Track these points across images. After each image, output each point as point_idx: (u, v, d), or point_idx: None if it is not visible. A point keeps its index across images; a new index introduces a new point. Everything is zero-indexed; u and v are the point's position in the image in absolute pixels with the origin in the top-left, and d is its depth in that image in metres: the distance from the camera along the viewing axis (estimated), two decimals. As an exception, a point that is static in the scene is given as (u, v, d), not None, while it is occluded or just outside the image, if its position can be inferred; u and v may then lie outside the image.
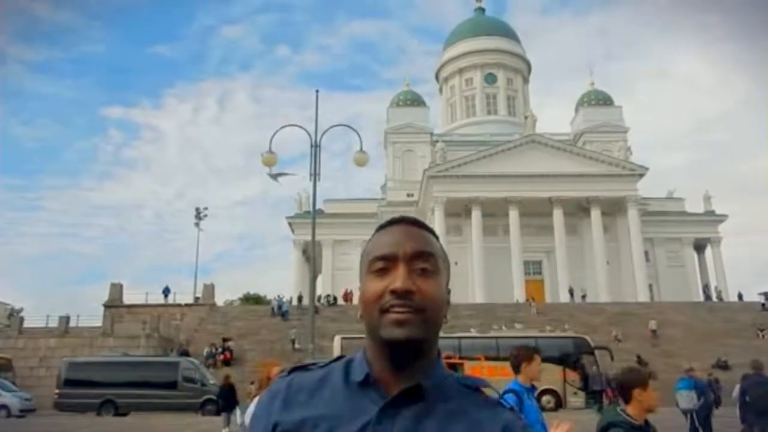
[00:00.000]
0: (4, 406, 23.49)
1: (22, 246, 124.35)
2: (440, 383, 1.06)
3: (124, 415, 23.73)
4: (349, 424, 1.00)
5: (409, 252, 1.06)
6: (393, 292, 1.02)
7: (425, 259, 1.07)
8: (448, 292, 1.12)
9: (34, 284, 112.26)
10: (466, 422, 1.02)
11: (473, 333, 29.96)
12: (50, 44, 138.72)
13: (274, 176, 16.86)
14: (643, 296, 50.18)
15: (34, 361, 30.82)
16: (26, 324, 35.99)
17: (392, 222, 1.14)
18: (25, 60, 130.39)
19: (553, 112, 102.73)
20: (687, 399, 11.45)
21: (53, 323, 34.93)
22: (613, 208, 54.92)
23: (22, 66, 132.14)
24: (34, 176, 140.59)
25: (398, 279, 1.03)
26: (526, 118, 59.53)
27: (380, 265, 1.06)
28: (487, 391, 1.10)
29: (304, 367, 1.12)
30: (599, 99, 65.19)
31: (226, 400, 17.40)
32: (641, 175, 54.62)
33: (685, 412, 11.59)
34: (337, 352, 25.23)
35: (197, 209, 50.85)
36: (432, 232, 1.14)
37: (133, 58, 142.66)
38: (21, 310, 45.39)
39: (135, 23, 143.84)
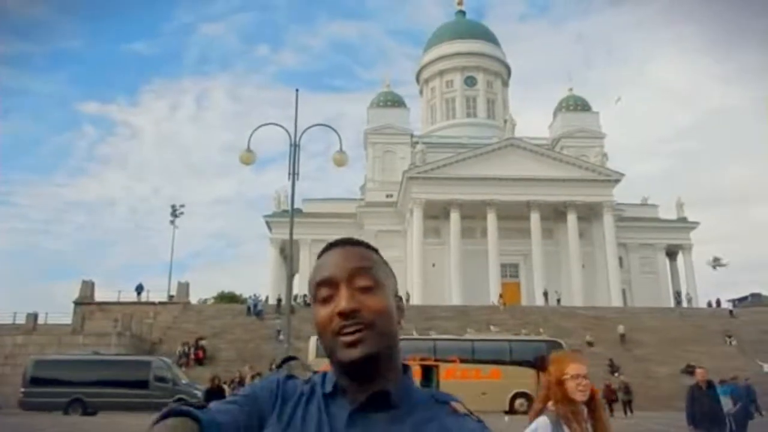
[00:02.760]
0: (-35, 405, 22.88)
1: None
2: (409, 393, 1.10)
3: (93, 414, 23.26)
4: (320, 430, 1.04)
5: (348, 272, 1.08)
6: (340, 314, 1.05)
7: (365, 275, 1.09)
8: (399, 299, 1.15)
9: (1, 280, 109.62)
10: (436, 428, 1.04)
11: (433, 336, 29.74)
12: (24, 38, 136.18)
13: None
14: (616, 301, 50.87)
15: (-1, 358, 30.08)
16: (-8, 320, 35.14)
17: (329, 246, 1.16)
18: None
19: (532, 117, 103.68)
20: (723, 404, 12.14)
21: (21, 320, 34.11)
22: (589, 213, 55.58)
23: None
24: (4, 171, 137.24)
25: (342, 301, 1.06)
26: (505, 121, 59.98)
27: (324, 292, 1.09)
28: (456, 405, 1.11)
29: (292, 377, 1.16)
30: (577, 104, 65.96)
31: None
32: (617, 181, 55.40)
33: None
34: (312, 353, 25.07)
35: (173, 207, 50.24)
36: (371, 247, 1.17)
37: (109, 54, 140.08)
38: (-12, 305, 44.36)
39: (111, 19, 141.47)
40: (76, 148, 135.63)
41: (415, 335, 29.92)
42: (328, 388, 1.10)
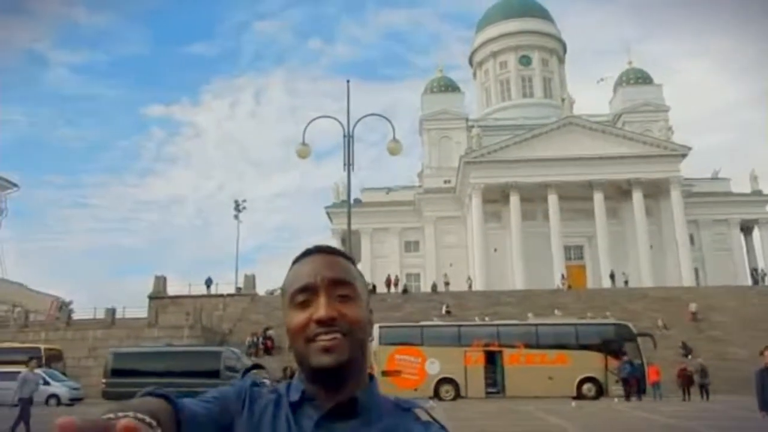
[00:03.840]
0: (54, 395, 24.48)
1: (70, 241, 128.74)
2: (375, 401, 1.10)
3: (170, 403, 24.34)
4: None
5: (328, 280, 1.09)
6: (318, 321, 1.05)
7: (345, 286, 1.10)
8: (370, 311, 1.15)
9: (82, 278, 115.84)
10: None
11: (494, 321, 29.36)
12: (90, 47, 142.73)
13: None
14: (687, 280, 48.81)
15: (82, 351, 31.85)
16: (75, 316, 37.21)
17: (307, 253, 1.16)
18: (67, 63, 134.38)
19: (590, 95, 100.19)
20: None
21: (100, 315, 35.97)
22: (656, 191, 53.47)
23: (65, 69, 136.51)
24: (80, 175, 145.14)
25: (321, 308, 1.06)
26: (563, 100, 58.36)
27: (302, 297, 1.09)
28: (419, 412, 1.12)
29: (257, 384, 1.16)
30: (638, 77, 63.31)
31: None
32: (684, 156, 52.97)
33: None
34: (376, 341, 25.30)
35: (236, 202, 51.51)
36: (347, 257, 1.18)
37: (169, 57, 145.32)
38: (70, 302, 46.88)
39: (169, 23, 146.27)
40: (145, 149, 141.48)
41: (477, 321, 29.76)
42: (295, 396, 1.09)
